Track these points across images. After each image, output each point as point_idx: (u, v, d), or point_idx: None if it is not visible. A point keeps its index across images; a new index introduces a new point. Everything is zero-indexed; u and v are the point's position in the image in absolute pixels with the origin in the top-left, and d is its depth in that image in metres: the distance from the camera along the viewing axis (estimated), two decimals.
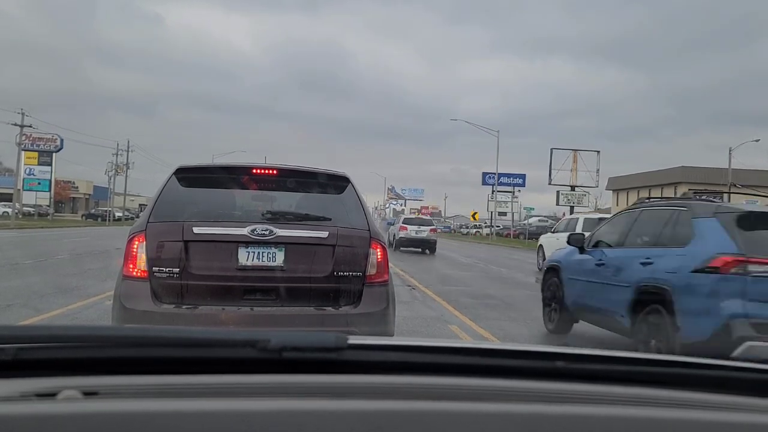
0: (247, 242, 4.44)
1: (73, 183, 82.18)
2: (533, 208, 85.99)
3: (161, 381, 1.06)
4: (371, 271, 4.60)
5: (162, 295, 4.36)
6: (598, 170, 61.02)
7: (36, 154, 56.98)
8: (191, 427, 0.88)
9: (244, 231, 4.44)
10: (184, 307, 4.36)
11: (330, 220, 4.76)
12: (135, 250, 4.38)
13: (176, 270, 4.34)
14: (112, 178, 67.62)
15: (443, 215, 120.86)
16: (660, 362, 1.32)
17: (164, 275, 4.33)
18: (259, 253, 4.48)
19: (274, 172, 4.98)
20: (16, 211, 46.55)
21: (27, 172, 56.43)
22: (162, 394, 0.99)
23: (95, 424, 0.87)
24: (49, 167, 58.04)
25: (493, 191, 64.74)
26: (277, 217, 4.72)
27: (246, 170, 4.99)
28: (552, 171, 60.63)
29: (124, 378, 1.07)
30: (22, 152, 50.62)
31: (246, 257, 4.47)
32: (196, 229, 4.42)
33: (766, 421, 1.06)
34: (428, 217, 36.74)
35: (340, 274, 4.52)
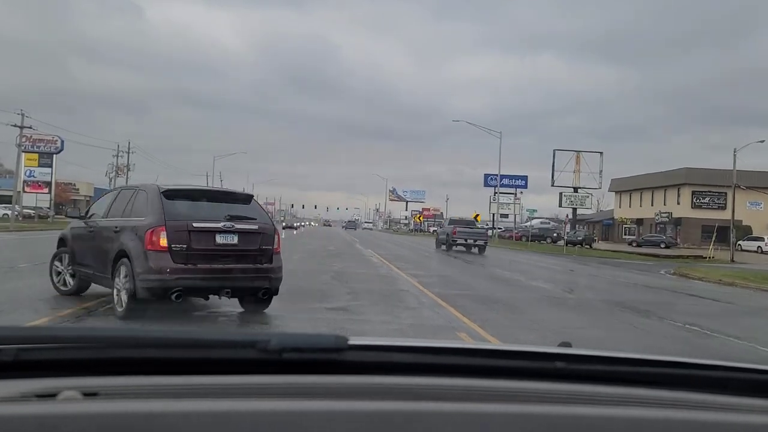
0: (220, 231, 8.26)
1: (74, 185, 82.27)
2: (536, 210, 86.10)
3: (161, 381, 1.06)
4: (275, 246, 8.79)
5: (176, 259, 7.89)
6: (600, 171, 60.89)
7: (36, 156, 56.99)
8: (191, 427, 0.88)
9: (219, 225, 8.27)
10: (188, 265, 7.94)
11: (256, 219, 8.79)
12: (159, 235, 7.82)
13: (184, 246, 7.94)
14: (113, 180, 67.60)
15: (445, 217, 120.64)
16: (661, 363, 1.32)
17: (177, 248, 7.90)
18: (226, 236, 8.30)
19: (227, 193, 10.08)
20: (16, 213, 46.47)
21: (27, 173, 56.45)
22: (162, 395, 0.99)
23: (95, 425, 0.87)
24: (50, 168, 58.07)
25: (495, 193, 64.65)
26: (233, 217, 8.46)
27: (213, 191, 10.24)
28: (555, 172, 60.68)
29: (124, 378, 1.07)
30: (22, 154, 50.51)
31: (220, 239, 8.27)
32: (194, 224, 8.14)
33: (766, 422, 1.06)
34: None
35: (263, 247, 8.66)
